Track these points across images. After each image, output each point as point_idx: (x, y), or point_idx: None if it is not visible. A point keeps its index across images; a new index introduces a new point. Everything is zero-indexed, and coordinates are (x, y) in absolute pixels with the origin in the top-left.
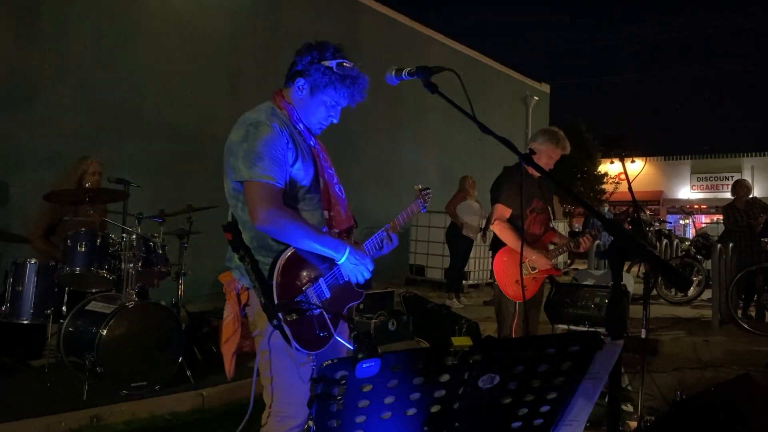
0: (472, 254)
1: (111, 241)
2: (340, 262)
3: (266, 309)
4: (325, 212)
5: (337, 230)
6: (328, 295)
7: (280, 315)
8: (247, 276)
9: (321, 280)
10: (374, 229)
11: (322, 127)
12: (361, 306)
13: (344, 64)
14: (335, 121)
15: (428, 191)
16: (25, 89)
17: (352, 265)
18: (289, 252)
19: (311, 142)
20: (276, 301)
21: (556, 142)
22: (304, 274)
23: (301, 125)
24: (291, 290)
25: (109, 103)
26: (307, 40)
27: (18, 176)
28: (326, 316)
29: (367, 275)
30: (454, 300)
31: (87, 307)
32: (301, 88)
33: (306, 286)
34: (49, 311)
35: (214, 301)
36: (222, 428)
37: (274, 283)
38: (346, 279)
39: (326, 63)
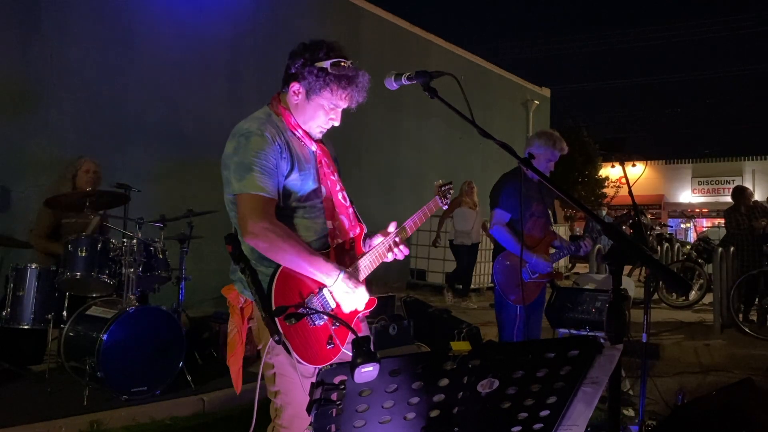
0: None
1: (112, 245)
2: (330, 287)
3: (267, 323)
4: (328, 222)
5: (340, 240)
6: (333, 305)
7: (280, 330)
8: (248, 289)
9: (325, 290)
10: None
11: (323, 131)
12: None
13: (340, 63)
14: (336, 123)
15: (449, 186)
16: (27, 95)
17: (344, 293)
18: None
19: (312, 148)
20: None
21: (552, 144)
22: (306, 283)
23: (300, 131)
24: (291, 301)
25: (110, 109)
26: (301, 41)
27: (19, 182)
28: (332, 327)
29: (360, 307)
30: (449, 294)
31: (87, 312)
32: (296, 92)
33: (308, 296)
34: (49, 316)
35: (215, 305)
36: None
37: (273, 294)
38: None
39: (320, 64)
